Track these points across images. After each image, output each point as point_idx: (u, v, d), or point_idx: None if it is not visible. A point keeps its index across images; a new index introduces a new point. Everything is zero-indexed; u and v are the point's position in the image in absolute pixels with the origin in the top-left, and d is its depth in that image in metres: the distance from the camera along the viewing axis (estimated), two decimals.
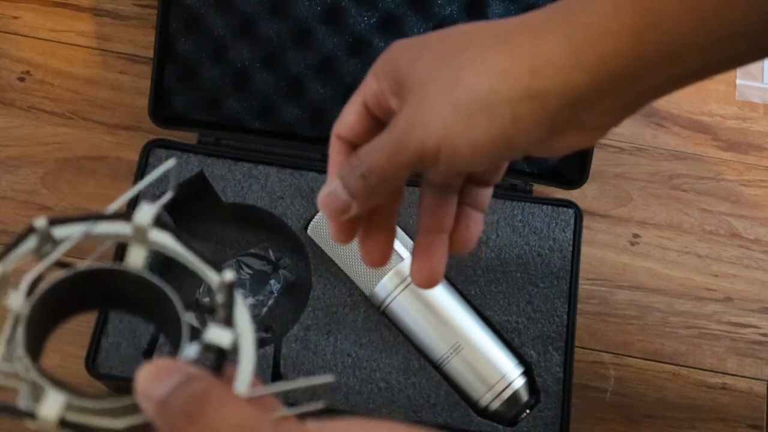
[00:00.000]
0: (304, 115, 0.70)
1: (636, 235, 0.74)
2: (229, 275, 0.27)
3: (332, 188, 0.36)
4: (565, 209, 0.69)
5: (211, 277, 0.28)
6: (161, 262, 0.58)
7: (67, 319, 0.30)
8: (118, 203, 0.29)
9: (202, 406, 0.24)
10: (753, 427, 0.68)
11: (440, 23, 0.67)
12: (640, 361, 0.69)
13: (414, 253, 0.39)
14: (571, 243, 0.67)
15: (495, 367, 0.61)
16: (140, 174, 0.67)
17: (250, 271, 0.67)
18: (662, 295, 0.72)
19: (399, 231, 0.64)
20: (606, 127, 0.34)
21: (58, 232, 0.28)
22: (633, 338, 0.70)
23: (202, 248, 0.28)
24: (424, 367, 0.62)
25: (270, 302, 0.66)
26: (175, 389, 0.24)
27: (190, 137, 0.70)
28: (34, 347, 0.27)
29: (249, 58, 0.69)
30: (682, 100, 0.79)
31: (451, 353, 0.61)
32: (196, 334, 0.26)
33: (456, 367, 0.61)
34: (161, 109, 0.69)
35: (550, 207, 0.68)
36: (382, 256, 0.39)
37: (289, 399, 0.59)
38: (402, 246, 0.62)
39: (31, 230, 0.28)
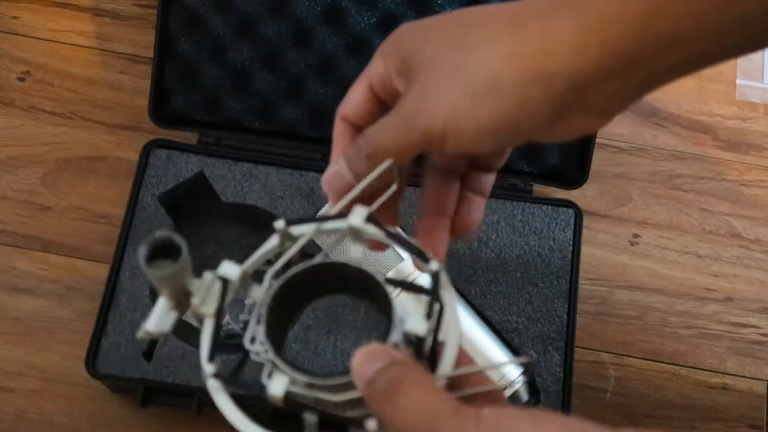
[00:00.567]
0: (304, 115, 0.70)
1: (636, 235, 0.74)
2: (434, 265, 0.31)
3: (337, 168, 0.36)
4: (565, 209, 0.69)
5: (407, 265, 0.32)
6: None
7: (301, 307, 0.35)
8: (340, 205, 0.34)
9: (397, 390, 0.28)
10: (753, 427, 0.68)
11: None
12: (640, 361, 0.69)
13: (416, 234, 0.40)
14: (571, 243, 0.67)
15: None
16: (140, 174, 0.67)
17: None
18: (662, 295, 0.72)
19: (399, 231, 0.64)
20: (611, 112, 0.34)
21: (294, 230, 0.33)
22: (633, 338, 0.70)
23: (408, 239, 0.33)
24: None
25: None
26: (379, 372, 0.28)
27: (190, 137, 0.70)
28: (274, 331, 0.32)
29: (249, 58, 0.69)
30: (683, 100, 0.79)
31: None
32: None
33: None
34: (161, 109, 0.69)
35: (550, 207, 0.68)
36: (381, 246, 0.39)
37: None
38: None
39: (272, 231, 0.33)
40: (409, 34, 0.36)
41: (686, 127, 0.78)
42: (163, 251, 0.30)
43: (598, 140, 0.69)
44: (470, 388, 0.32)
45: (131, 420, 0.64)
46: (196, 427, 0.64)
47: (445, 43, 0.34)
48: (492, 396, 0.32)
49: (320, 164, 0.67)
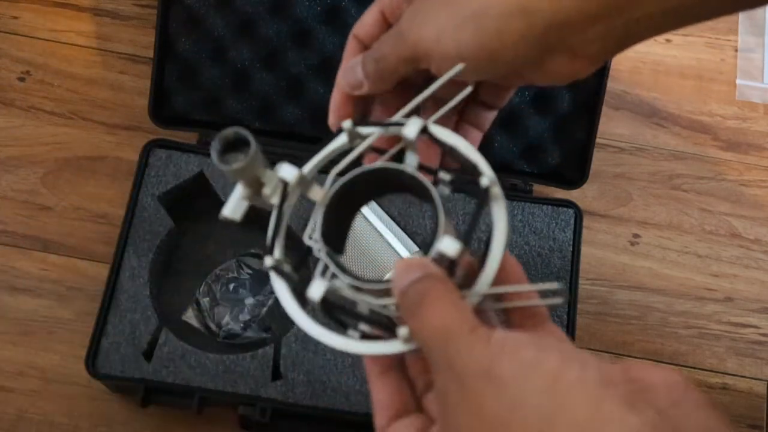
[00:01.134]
0: (304, 115, 0.70)
1: (636, 235, 0.74)
2: (486, 180, 0.32)
3: (352, 64, 0.39)
4: (565, 209, 0.69)
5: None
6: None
7: (355, 210, 0.37)
8: (403, 111, 0.35)
9: (422, 303, 0.29)
10: (753, 427, 0.68)
11: None
12: (640, 361, 0.69)
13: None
14: (571, 243, 0.67)
15: None
16: (140, 174, 0.67)
17: (250, 271, 0.67)
18: (662, 295, 0.72)
19: (399, 232, 0.64)
20: (595, 56, 0.36)
21: (362, 131, 0.35)
22: (633, 338, 0.70)
23: (466, 147, 0.34)
24: None
25: (270, 302, 0.66)
26: (411, 283, 0.30)
27: (190, 137, 0.70)
28: (329, 231, 0.34)
29: (249, 58, 0.69)
30: (683, 100, 0.79)
31: None
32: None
33: None
34: (161, 109, 0.69)
35: (550, 207, 0.68)
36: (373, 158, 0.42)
37: None
38: (402, 246, 0.62)
39: (339, 131, 0.35)
40: None
41: (686, 127, 0.78)
42: (233, 146, 0.31)
43: (598, 140, 0.69)
44: (510, 302, 0.33)
45: (131, 420, 0.64)
46: (195, 427, 0.64)
47: None
48: (531, 313, 0.33)
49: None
